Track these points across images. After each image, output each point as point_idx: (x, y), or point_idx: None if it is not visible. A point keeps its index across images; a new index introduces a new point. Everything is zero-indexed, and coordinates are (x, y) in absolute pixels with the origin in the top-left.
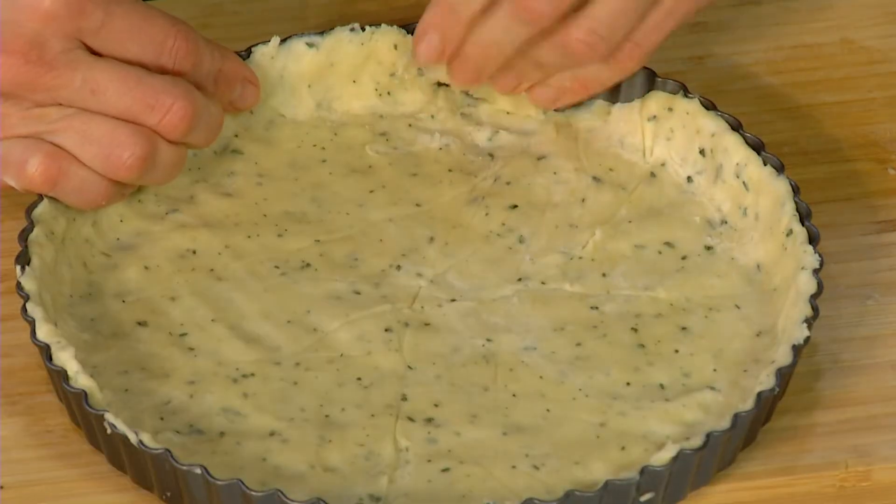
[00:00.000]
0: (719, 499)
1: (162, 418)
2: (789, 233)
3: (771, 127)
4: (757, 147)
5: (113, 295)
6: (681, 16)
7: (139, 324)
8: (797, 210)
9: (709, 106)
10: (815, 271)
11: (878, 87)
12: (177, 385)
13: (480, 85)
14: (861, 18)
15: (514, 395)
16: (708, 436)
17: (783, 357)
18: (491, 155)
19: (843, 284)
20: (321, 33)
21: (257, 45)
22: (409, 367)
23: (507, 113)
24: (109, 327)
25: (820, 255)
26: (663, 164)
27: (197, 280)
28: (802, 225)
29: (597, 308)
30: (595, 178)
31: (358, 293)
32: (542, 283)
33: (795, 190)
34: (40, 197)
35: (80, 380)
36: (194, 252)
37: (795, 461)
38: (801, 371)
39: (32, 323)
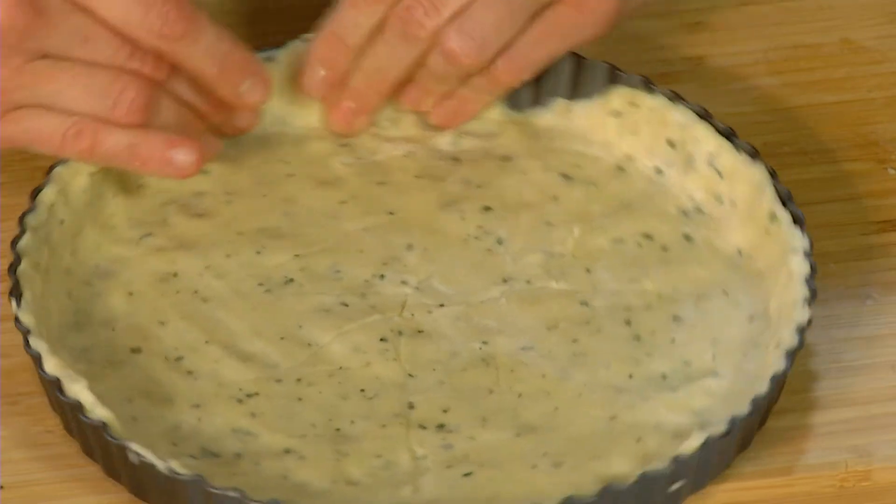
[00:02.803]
0: (719, 499)
1: (175, 444)
2: (773, 217)
3: (770, 127)
4: (728, 134)
5: (101, 323)
6: (567, 34)
7: (133, 350)
8: (777, 194)
9: (673, 98)
10: (807, 253)
11: (878, 87)
12: (183, 409)
13: (363, 123)
14: (861, 18)
15: (519, 396)
16: (732, 421)
17: (788, 339)
18: (456, 159)
19: (842, 284)
20: (278, 47)
21: None
22: (410, 375)
23: None
24: (103, 356)
25: (808, 236)
26: (630, 158)
27: (183, 302)
28: (785, 208)
29: (586, 304)
30: (564, 176)
31: (346, 305)
32: (528, 282)
33: (773, 174)
34: (22, 233)
35: (98, 411)
36: (175, 275)
37: (794, 461)
38: (799, 371)
39: (38, 358)
